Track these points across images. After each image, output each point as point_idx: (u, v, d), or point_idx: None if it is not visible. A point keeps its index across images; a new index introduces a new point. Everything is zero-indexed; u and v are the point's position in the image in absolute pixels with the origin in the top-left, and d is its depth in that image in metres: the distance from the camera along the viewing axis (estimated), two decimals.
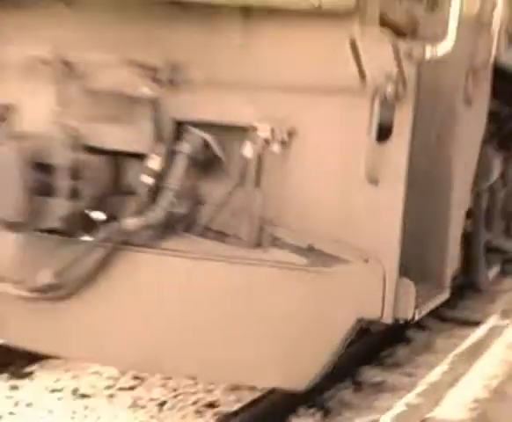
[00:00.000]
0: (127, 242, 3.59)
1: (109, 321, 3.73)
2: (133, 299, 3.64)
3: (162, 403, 4.67)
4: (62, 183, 3.39)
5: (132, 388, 4.96)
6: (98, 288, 3.65)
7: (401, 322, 3.79)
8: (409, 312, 3.63)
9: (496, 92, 4.77)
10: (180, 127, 3.64)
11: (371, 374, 5.52)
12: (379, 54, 3.29)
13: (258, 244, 3.53)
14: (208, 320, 3.55)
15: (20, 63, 3.80)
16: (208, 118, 3.62)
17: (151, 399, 4.77)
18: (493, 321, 5.44)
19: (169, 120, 3.63)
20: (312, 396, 4.57)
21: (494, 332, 5.04)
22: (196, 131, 3.57)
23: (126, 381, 5.04)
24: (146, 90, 3.58)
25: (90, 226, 3.64)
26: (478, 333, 5.05)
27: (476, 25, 4.12)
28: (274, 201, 3.56)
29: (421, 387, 3.63)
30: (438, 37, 3.43)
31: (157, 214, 3.48)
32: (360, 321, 3.53)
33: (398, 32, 3.59)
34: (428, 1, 4.13)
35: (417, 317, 3.81)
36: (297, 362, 3.58)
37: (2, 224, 3.51)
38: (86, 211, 3.56)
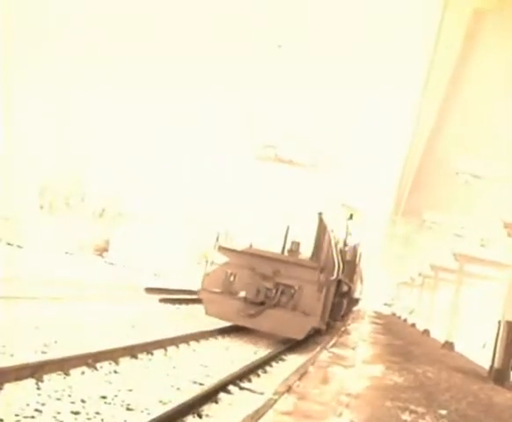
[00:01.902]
0: (270, 306, 11.89)
1: (267, 321, 11.65)
2: (270, 319, 11.73)
3: None
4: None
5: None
6: (264, 313, 11.71)
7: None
8: (322, 327, 12.44)
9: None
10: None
11: None
12: (323, 277, 11.76)
13: (294, 309, 11.79)
14: (280, 322, 11.77)
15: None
16: (285, 282, 11.93)
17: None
18: (269, 395, 6.36)
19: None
20: None
21: (269, 402, 5.89)
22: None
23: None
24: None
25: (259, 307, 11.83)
26: (258, 402, 5.92)
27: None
28: (300, 301, 11.71)
29: None
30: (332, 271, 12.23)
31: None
32: (313, 326, 11.87)
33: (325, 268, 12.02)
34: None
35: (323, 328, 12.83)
36: (299, 331, 11.63)
37: (247, 300, 11.79)
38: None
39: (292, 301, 11.75)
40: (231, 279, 12.02)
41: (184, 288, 22.54)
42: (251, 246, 12.28)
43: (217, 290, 12.00)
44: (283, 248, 12.23)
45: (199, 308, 13.38)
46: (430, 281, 35.09)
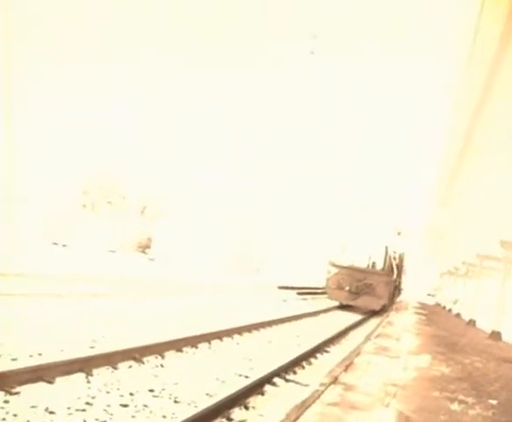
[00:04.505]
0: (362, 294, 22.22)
1: (361, 301, 21.97)
2: (362, 300, 22.02)
3: None
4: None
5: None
6: (359, 298, 22.05)
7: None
8: (387, 304, 23.27)
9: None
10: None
11: None
12: (388, 279, 22.68)
13: (373, 296, 21.92)
14: (367, 302, 22.14)
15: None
16: (369, 282, 22.36)
17: None
18: (314, 386, 6.41)
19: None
20: None
21: (316, 394, 5.95)
22: None
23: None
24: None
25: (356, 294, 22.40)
26: (304, 394, 6.01)
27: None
28: (376, 292, 21.81)
29: None
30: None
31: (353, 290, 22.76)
32: (383, 304, 22.13)
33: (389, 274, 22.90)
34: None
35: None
36: (377, 306, 21.91)
37: (348, 291, 22.14)
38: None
39: (373, 292, 21.74)
40: (341, 281, 22.20)
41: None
42: (353, 263, 22.77)
43: (334, 286, 22.37)
44: (368, 265, 23.15)
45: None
46: (475, 270, 34.28)
